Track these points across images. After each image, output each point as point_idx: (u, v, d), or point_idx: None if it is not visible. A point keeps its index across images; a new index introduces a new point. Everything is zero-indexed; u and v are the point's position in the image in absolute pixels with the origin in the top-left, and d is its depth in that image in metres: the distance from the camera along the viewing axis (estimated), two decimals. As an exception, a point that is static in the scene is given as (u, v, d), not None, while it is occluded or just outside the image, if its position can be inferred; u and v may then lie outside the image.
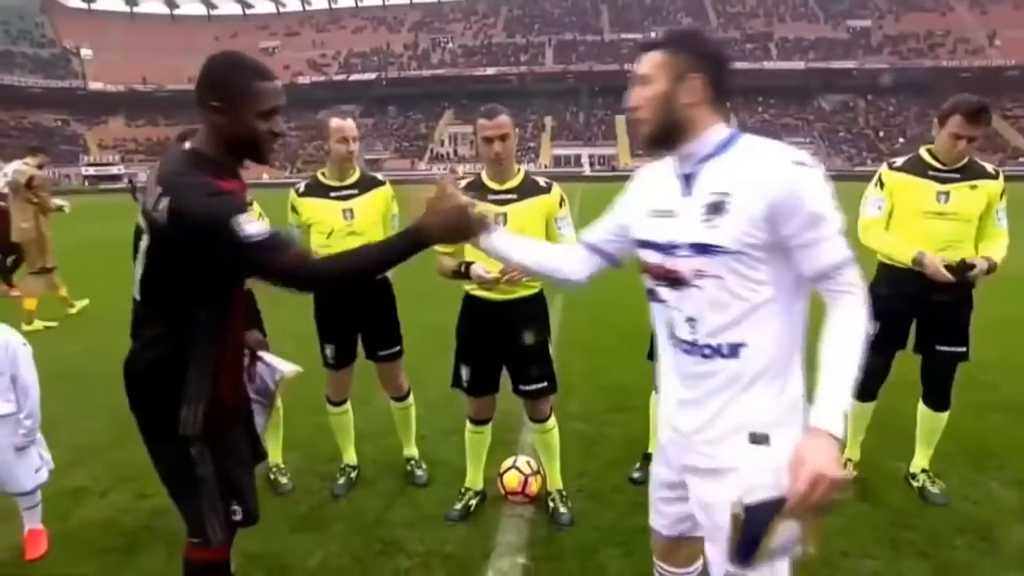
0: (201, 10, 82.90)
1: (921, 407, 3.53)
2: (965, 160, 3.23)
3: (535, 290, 3.12)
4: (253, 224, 1.71)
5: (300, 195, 3.45)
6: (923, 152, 3.34)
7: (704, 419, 1.66)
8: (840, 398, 1.50)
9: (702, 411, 1.66)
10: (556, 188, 3.11)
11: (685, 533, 1.88)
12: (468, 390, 3.24)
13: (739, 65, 65.65)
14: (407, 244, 1.82)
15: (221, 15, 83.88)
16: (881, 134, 57.66)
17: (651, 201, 1.73)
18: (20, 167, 7.64)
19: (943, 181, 3.24)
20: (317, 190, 3.44)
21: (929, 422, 3.52)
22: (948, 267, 3.14)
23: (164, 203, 1.72)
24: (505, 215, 2.99)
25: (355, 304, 3.47)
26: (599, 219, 1.99)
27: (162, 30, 79.00)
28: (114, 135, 66.75)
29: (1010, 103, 57.01)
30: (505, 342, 3.12)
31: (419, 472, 3.71)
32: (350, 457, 3.75)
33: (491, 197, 3.02)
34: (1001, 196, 3.25)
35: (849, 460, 3.63)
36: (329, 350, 3.57)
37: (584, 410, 4.62)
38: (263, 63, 1.88)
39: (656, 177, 1.76)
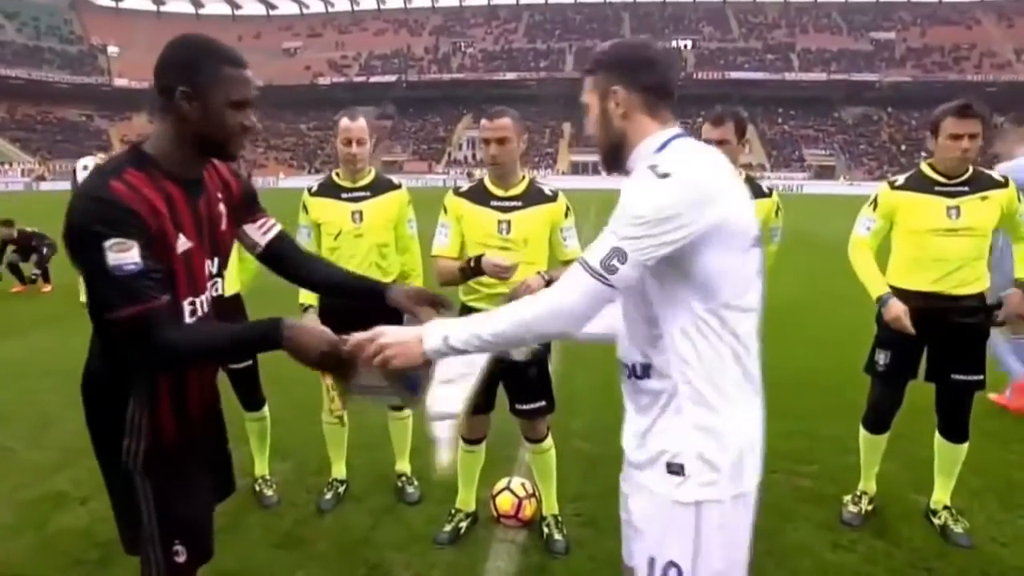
0: (226, 10, 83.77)
1: (938, 439, 3.31)
2: (970, 172, 3.07)
3: None
4: (125, 254, 1.48)
5: (312, 194, 3.37)
6: (924, 168, 3.16)
7: (633, 442, 1.63)
8: (456, 327, 1.48)
9: (631, 432, 1.65)
10: (562, 197, 2.98)
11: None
12: None
13: (760, 76, 65.27)
14: (261, 338, 1.60)
15: (245, 15, 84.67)
16: (903, 147, 56.86)
17: None
18: (103, 157, 7.86)
19: (952, 195, 3.05)
20: (329, 190, 3.35)
21: (948, 454, 3.29)
22: (967, 308, 3.03)
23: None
24: (509, 222, 2.86)
25: (361, 311, 3.30)
26: None
27: (187, 28, 78.65)
28: (137, 130, 67.35)
29: (1037, 119, 55.92)
30: (501, 358, 2.95)
31: (410, 489, 3.55)
32: (340, 471, 3.60)
33: (494, 203, 2.89)
34: (1019, 199, 3.11)
35: (864, 493, 3.42)
36: None
37: (588, 428, 4.43)
38: (234, 50, 1.67)
39: None
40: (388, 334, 1.55)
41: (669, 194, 1.40)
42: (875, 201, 3.22)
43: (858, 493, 3.41)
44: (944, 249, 3.05)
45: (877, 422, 3.33)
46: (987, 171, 3.15)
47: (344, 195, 3.30)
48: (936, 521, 3.26)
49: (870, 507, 3.39)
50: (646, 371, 1.56)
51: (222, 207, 1.82)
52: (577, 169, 57.68)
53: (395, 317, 3.44)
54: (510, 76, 69.38)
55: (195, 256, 1.69)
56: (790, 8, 74.73)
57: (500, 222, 2.87)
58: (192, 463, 1.82)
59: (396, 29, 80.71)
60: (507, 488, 3.25)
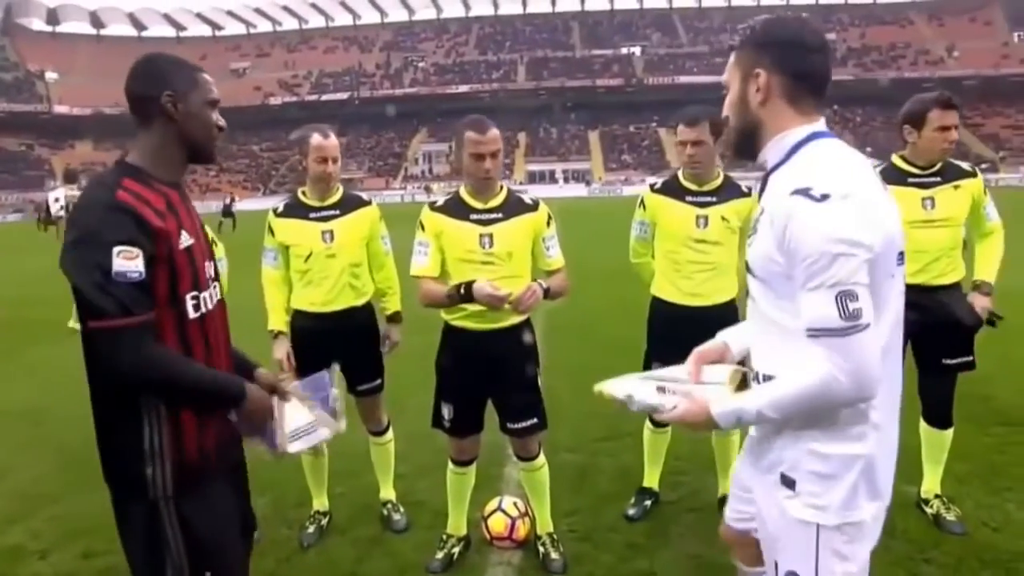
0: (170, 32, 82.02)
1: (924, 426, 3.33)
2: (941, 163, 3.10)
3: (523, 317, 2.86)
4: (131, 262, 1.54)
5: (278, 215, 3.20)
6: (896, 160, 3.19)
7: (755, 447, 1.65)
8: (740, 404, 1.49)
9: (755, 440, 1.67)
10: (543, 206, 2.90)
11: (751, 532, 1.78)
12: (450, 430, 2.95)
13: (709, 79, 66.61)
14: (223, 392, 1.72)
15: (190, 36, 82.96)
16: (850, 143, 58.69)
17: None
18: (73, 193, 8.47)
19: (925, 186, 3.09)
20: (296, 210, 3.18)
21: (935, 441, 3.32)
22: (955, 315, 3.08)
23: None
24: (491, 236, 2.75)
25: (336, 334, 3.17)
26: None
27: (129, 52, 76.73)
28: (80, 159, 65.22)
29: (970, 112, 58.36)
30: (492, 376, 2.85)
31: (396, 517, 3.40)
32: (321, 503, 3.42)
33: (474, 216, 2.78)
34: (984, 192, 3.17)
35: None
36: None
37: (573, 439, 4.35)
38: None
39: None
40: (685, 408, 1.58)
41: (839, 218, 1.34)
42: None
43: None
44: (922, 241, 3.05)
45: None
46: (955, 161, 3.17)
47: (313, 215, 3.15)
48: (928, 511, 3.27)
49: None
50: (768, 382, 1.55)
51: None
52: (534, 178, 57.89)
53: (367, 340, 3.34)
54: (463, 89, 69.45)
55: (196, 252, 1.74)
56: (734, 12, 76.66)
57: (482, 236, 2.75)
58: (218, 485, 1.78)
59: (346, 46, 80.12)
60: (499, 509, 3.14)
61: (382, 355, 3.38)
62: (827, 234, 1.33)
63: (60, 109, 68.23)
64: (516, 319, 2.80)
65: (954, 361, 3.20)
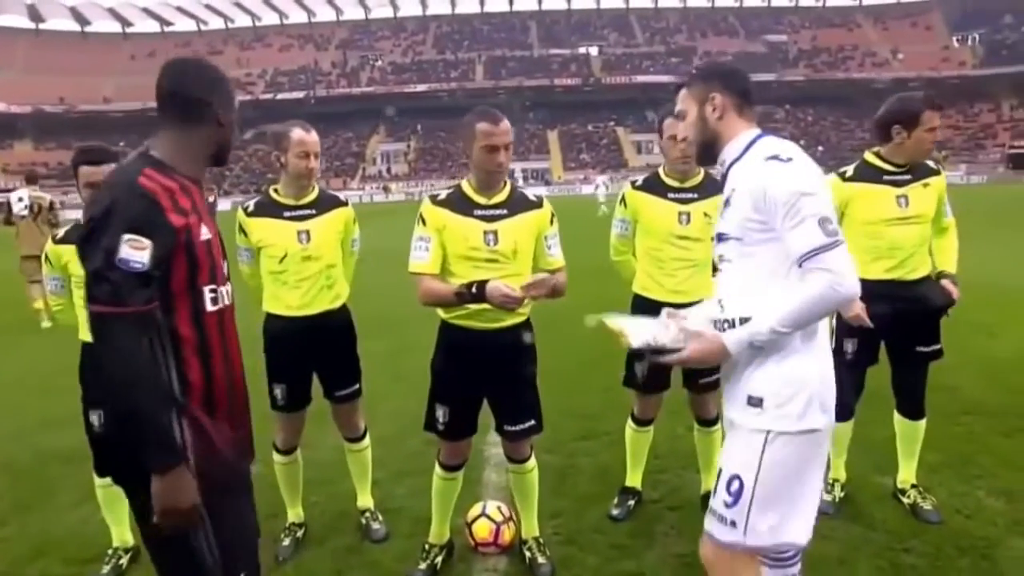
0: (115, 27, 79.21)
1: (898, 418, 3.39)
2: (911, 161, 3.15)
3: (524, 317, 2.78)
4: (138, 252, 1.54)
5: (249, 214, 3.04)
6: (870, 157, 3.21)
7: (727, 392, 1.97)
8: (750, 329, 1.81)
9: (726, 386, 1.98)
10: (547, 204, 2.82)
11: None
12: (444, 433, 2.85)
13: (665, 78, 67.48)
14: (157, 438, 1.57)
15: (137, 32, 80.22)
16: (802, 143, 59.41)
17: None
18: (37, 194, 8.71)
19: (899, 184, 3.14)
20: (269, 209, 3.03)
21: (909, 432, 3.38)
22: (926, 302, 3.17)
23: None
24: (496, 233, 2.65)
25: (312, 338, 3.04)
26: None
27: (72, 47, 74.83)
28: (20, 159, 62.42)
29: (915, 112, 60.56)
30: (490, 376, 2.77)
31: (375, 526, 3.29)
32: (296, 514, 3.29)
33: (478, 212, 2.68)
34: (945, 189, 3.26)
35: (836, 481, 3.44)
36: (279, 391, 3.11)
37: (550, 440, 4.24)
38: None
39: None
40: (695, 346, 1.91)
41: (803, 172, 1.79)
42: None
43: (830, 481, 3.42)
44: (897, 239, 3.11)
45: (844, 410, 3.34)
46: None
47: (287, 213, 3.02)
48: (906, 500, 3.32)
49: (842, 494, 3.41)
50: (743, 323, 1.85)
51: None
52: (496, 177, 57.67)
53: (344, 344, 3.23)
54: (421, 88, 68.98)
55: (214, 247, 1.75)
56: (689, 13, 77.97)
57: (486, 233, 2.64)
58: (241, 490, 1.81)
59: (301, 45, 78.67)
60: (483, 514, 3.06)
61: (359, 360, 3.27)
62: (797, 181, 1.75)
63: (-3, 107, 65.19)
64: (517, 319, 2.72)
65: (927, 349, 3.27)
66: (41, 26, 76.97)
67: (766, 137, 1.92)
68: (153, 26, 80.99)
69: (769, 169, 1.78)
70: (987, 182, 44.50)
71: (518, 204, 2.73)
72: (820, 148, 57.91)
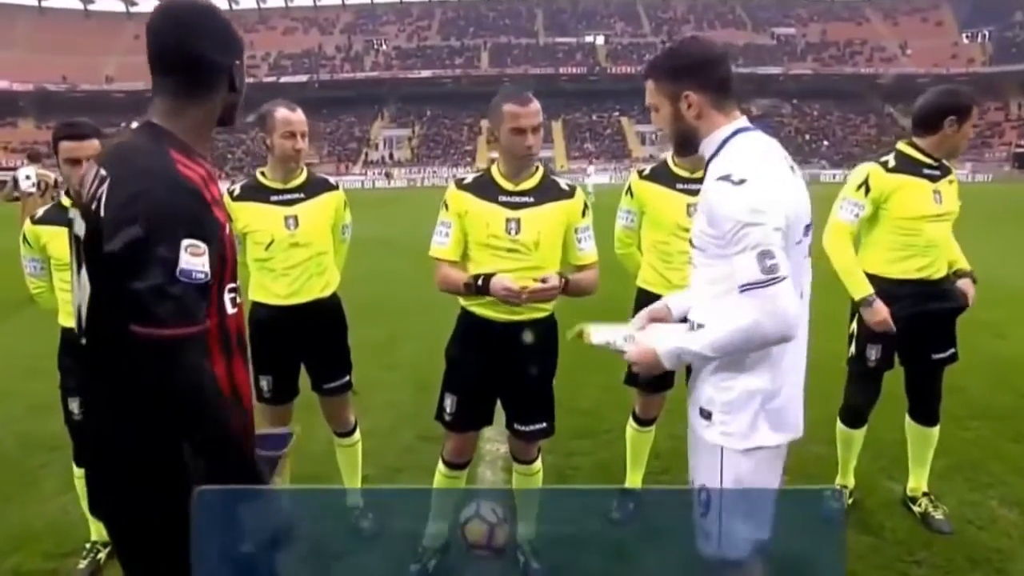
0: (119, 6, 78.69)
1: (910, 423, 3.26)
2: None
3: (547, 312, 2.66)
4: (198, 259, 1.31)
5: (235, 199, 2.89)
6: (908, 149, 3.03)
7: (692, 390, 1.93)
8: (682, 344, 1.77)
9: (691, 382, 1.95)
10: (579, 193, 2.67)
11: None
12: (451, 424, 2.74)
13: (671, 70, 67.05)
14: (240, 461, 1.43)
15: (142, 12, 79.59)
16: (807, 137, 59.87)
17: None
18: (43, 171, 8.71)
19: (934, 179, 2.99)
20: (255, 193, 2.89)
21: (922, 439, 3.25)
22: (948, 298, 3.04)
23: (103, 188, 1.34)
24: (519, 220, 2.52)
25: (301, 328, 2.92)
26: None
27: (75, 26, 74.49)
28: (21, 137, 62.17)
29: (922, 108, 60.21)
30: (505, 370, 2.64)
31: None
32: (283, 510, 3.17)
33: (503, 199, 2.54)
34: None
35: (844, 487, 3.32)
36: (265, 382, 2.98)
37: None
38: None
39: None
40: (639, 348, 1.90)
41: (752, 197, 1.64)
42: (865, 184, 2.99)
43: (838, 487, 3.30)
44: (934, 236, 2.98)
45: (858, 416, 3.23)
46: None
47: (274, 197, 2.88)
48: (916, 509, 3.20)
49: (850, 501, 3.29)
50: (699, 330, 1.81)
51: None
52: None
53: (334, 334, 3.11)
54: (426, 74, 68.51)
55: (234, 239, 1.56)
56: (697, 4, 77.32)
57: (509, 220, 2.50)
58: None
59: (306, 28, 78.10)
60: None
61: (349, 350, 3.14)
62: (742, 209, 1.64)
63: (-1, 85, 64.88)
64: (540, 312, 2.59)
65: (940, 355, 3.14)
66: (44, 3, 76.48)
67: (741, 135, 1.78)
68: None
69: (718, 190, 1.68)
70: (992, 181, 44.23)
71: (547, 192, 2.57)
72: (826, 143, 57.66)
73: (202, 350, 1.36)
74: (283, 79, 68.49)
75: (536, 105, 2.47)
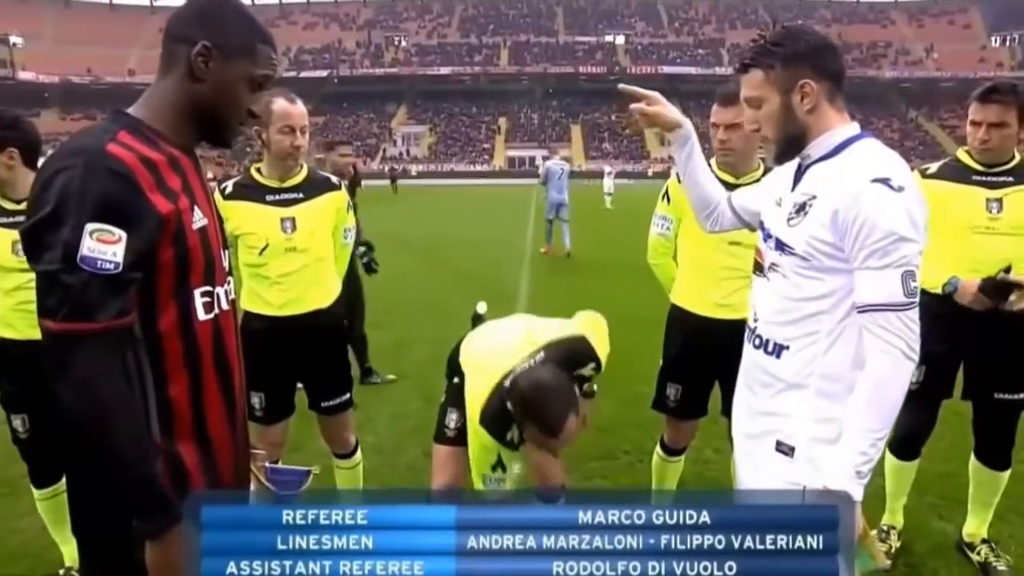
0: (144, 1, 79.48)
1: (975, 464, 2.90)
2: (1016, 160, 2.63)
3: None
4: (107, 247, 1.14)
5: (226, 197, 2.63)
6: (961, 154, 2.73)
7: (746, 411, 1.76)
8: (845, 460, 1.47)
9: (747, 401, 1.77)
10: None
11: None
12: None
13: (691, 70, 66.54)
14: (150, 506, 1.20)
15: (166, 6, 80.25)
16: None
17: (776, 187, 1.74)
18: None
19: (993, 186, 2.62)
20: (249, 191, 2.64)
21: (987, 482, 2.89)
22: (984, 288, 2.48)
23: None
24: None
25: (295, 341, 2.67)
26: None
27: (100, 19, 75.37)
28: (46, 128, 62.94)
29: (946, 113, 59.28)
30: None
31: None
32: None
33: (270, 197, 2.65)
34: None
35: (892, 528, 3.00)
36: (257, 399, 2.72)
37: (567, 456, 3.89)
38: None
39: (791, 165, 1.70)
40: None
41: (913, 209, 1.47)
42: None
43: (884, 528, 2.99)
44: (983, 250, 2.59)
45: (909, 447, 2.91)
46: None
47: (270, 197, 2.62)
48: (975, 557, 2.87)
49: (898, 543, 2.97)
50: (777, 351, 1.63)
51: None
52: (513, 164, 57.32)
53: (334, 348, 2.86)
54: (445, 71, 68.44)
55: (211, 236, 1.37)
56: (719, 4, 76.57)
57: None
58: None
59: (326, 23, 78.39)
60: None
61: (349, 365, 2.89)
62: (902, 220, 1.45)
63: (25, 76, 65.71)
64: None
65: (1007, 397, 2.73)
66: (69, -4, 77.37)
67: (866, 140, 1.58)
68: (181, 1, 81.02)
69: (876, 195, 1.46)
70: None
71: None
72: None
73: (103, 355, 1.16)
74: (303, 74, 68.81)
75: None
